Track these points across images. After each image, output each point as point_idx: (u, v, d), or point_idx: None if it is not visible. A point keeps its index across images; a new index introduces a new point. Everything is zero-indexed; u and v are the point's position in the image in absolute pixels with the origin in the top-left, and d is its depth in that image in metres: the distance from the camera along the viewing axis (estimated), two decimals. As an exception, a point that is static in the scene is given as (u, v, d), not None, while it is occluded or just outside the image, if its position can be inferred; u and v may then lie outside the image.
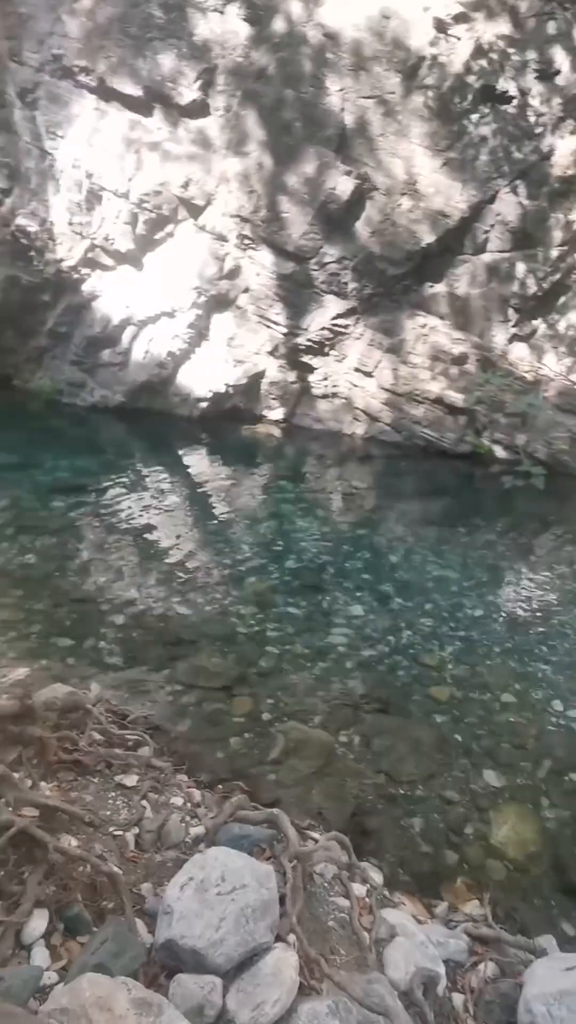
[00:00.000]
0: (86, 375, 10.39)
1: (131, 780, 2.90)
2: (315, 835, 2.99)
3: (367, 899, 2.62)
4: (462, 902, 3.16)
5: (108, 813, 2.64)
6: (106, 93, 9.06)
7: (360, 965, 2.40)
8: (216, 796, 3.17)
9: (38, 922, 1.92)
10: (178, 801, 2.95)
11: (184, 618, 5.28)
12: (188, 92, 8.82)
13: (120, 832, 2.54)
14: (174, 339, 9.85)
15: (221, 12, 8.54)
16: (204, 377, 10.11)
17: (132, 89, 8.91)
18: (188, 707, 4.23)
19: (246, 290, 9.76)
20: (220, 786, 3.32)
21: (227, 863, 2.13)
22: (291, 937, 2.14)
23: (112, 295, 9.96)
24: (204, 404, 10.20)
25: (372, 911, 2.55)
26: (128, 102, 9.08)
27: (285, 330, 9.72)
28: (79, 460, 8.49)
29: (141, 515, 7.16)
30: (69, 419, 10.13)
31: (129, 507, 7.31)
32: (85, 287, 10.02)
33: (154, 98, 8.99)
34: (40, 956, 1.87)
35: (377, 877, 3.00)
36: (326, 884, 2.71)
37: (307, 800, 3.48)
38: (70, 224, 9.64)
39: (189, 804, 2.97)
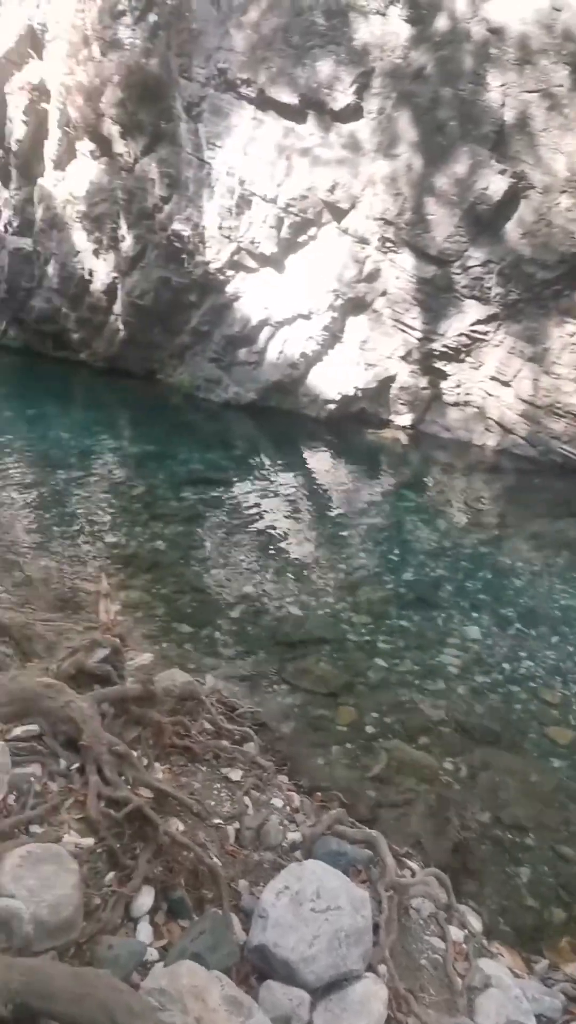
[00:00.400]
0: (223, 372, 10.87)
1: (236, 774, 3.01)
2: (413, 865, 2.91)
3: (464, 945, 2.50)
4: (565, 962, 2.93)
5: (212, 803, 2.76)
6: (264, 103, 9.37)
7: (449, 1009, 2.30)
8: (314, 804, 3.19)
9: (145, 898, 2.05)
10: (278, 802, 3.01)
11: (296, 619, 5.36)
12: (343, 97, 8.87)
13: (222, 824, 2.64)
14: (308, 340, 10.00)
15: (383, 14, 8.48)
16: (334, 379, 10.16)
17: (289, 97, 9.14)
18: (293, 708, 4.30)
19: (383, 293, 9.66)
20: (319, 793, 3.34)
21: (323, 880, 2.14)
22: (382, 968, 2.11)
23: (253, 296, 10.33)
24: (332, 406, 10.26)
25: (468, 958, 2.43)
26: (284, 110, 9.33)
27: (420, 335, 9.49)
28: (210, 454, 8.93)
29: (263, 512, 7.37)
30: (204, 414, 10.68)
31: (253, 503, 7.56)
32: (229, 288, 10.47)
33: (309, 105, 9.15)
34: (145, 932, 2.00)
35: (476, 923, 2.85)
36: (422, 921, 2.63)
37: (406, 825, 3.40)
38: (220, 228, 10.12)
39: (288, 808, 3.01)
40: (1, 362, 13.06)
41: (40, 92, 11.33)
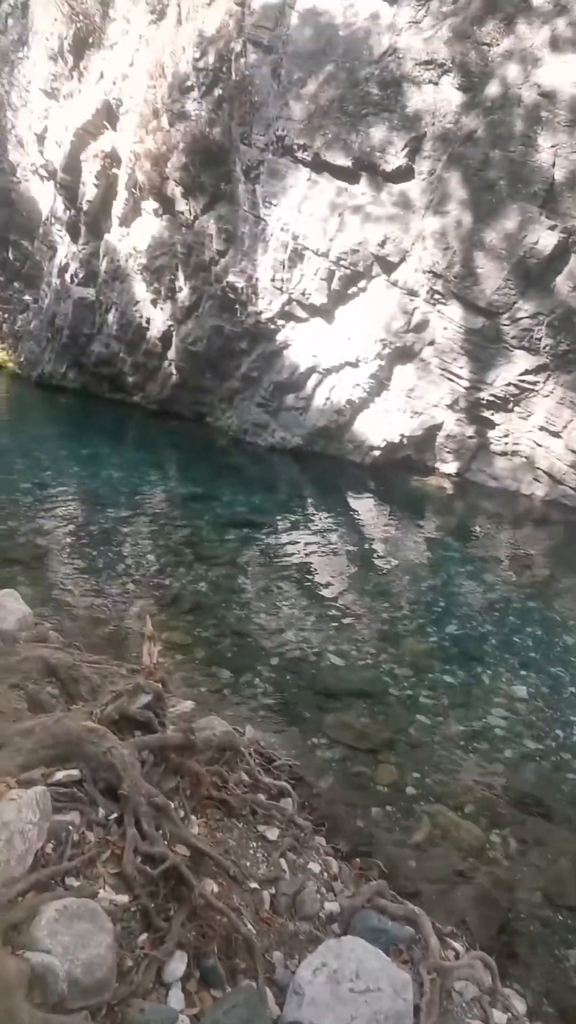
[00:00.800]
0: (270, 417, 11.10)
1: (272, 833, 2.92)
2: (457, 946, 2.73)
3: (510, 1037, 2.31)
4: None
5: (248, 864, 2.68)
6: (319, 165, 9.84)
7: None
8: (353, 871, 3.06)
9: (178, 964, 1.99)
10: (315, 868, 2.89)
11: (336, 669, 5.26)
12: (395, 159, 9.23)
13: (257, 888, 2.55)
14: (355, 388, 10.15)
15: (436, 83, 8.86)
16: (380, 426, 10.23)
17: (343, 160, 9.56)
18: (332, 763, 4.18)
19: (431, 343, 9.76)
20: (358, 860, 3.20)
21: (363, 960, 2.03)
22: (423, 1060, 1.96)
23: (302, 344, 10.60)
24: (377, 452, 10.30)
25: (515, 1054, 2.24)
26: (338, 172, 9.76)
27: (468, 384, 9.50)
28: (254, 497, 9.04)
29: (305, 557, 7.36)
30: (250, 457, 10.88)
31: (295, 548, 7.57)
32: (279, 337, 10.79)
33: (362, 167, 9.54)
34: (176, 998, 1.93)
35: (520, 1006, 2.65)
36: (464, 1004, 2.46)
37: (450, 901, 3.20)
38: (272, 280, 10.52)
39: (326, 874, 2.89)
40: (60, 403, 13.72)
41: (112, 158, 12.22)
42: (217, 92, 10.65)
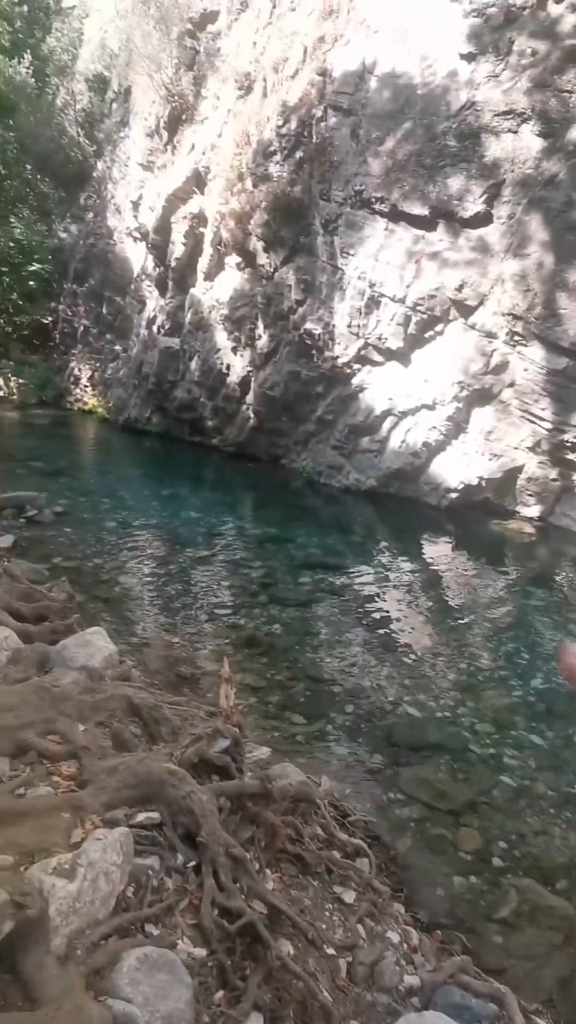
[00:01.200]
0: (344, 459, 11.18)
1: (349, 896, 2.81)
2: (544, 1027, 2.49)
3: None
4: None
5: (324, 927, 2.58)
6: (396, 216, 10.09)
7: None
8: (434, 944, 2.87)
9: (254, 1026, 1.93)
10: (394, 937, 2.74)
11: (413, 720, 5.07)
12: (472, 207, 9.32)
13: (334, 954, 2.45)
14: (431, 430, 10.07)
15: (515, 132, 8.94)
16: (457, 468, 10.05)
17: (420, 210, 9.76)
18: (409, 823, 3.98)
19: (511, 384, 9.57)
20: (439, 933, 3.00)
21: (449, 1046, 1.88)
22: None
23: (378, 388, 10.69)
24: (454, 495, 10.09)
25: None
26: (415, 221, 9.96)
27: (551, 425, 9.19)
28: (328, 538, 9.04)
29: (380, 601, 7.24)
30: (324, 499, 10.94)
31: (370, 591, 7.46)
32: (355, 380, 10.95)
33: (439, 215, 9.69)
34: (250, 1066, 1.87)
35: None
36: None
37: (538, 979, 2.94)
38: (349, 326, 10.75)
39: (405, 945, 2.74)
40: (144, 445, 14.45)
41: (199, 219, 13.10)
42: (298, 154, 11.25)
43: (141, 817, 2.36)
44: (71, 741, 2.68)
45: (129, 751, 2.75)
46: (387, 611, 7.02)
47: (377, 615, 6.88)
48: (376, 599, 7.27)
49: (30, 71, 20.35)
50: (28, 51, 20.82)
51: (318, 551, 8.54)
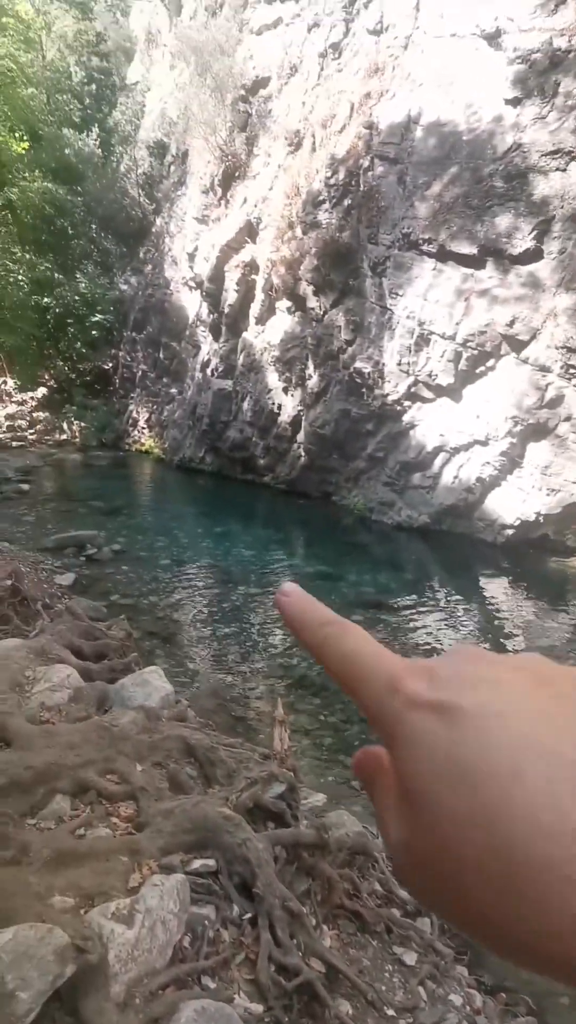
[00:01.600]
0: (396, 496, 11.11)
1: (410, 957, 2.68)
2: None
3: None
4: None
5: (383, 988, 2.47)
6: (444, 256, 10.21)
7: None
8: (498, 1006, 2.69)
9: None
10: (456, 999, 2.59)
11: (473, 769, 4.85)
12: (522, 243, 9.33)
13: (394, 1015, 2.33)
14: (485, 466, 9.91)
15: (564, 170, 8.98)
16: (513, 504, 9.81)
17: (468, 249, 9.86)
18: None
19: (568, 418, 9.35)
20: (503, 994, 2.82)
21: None
22: None
23: (429, 424, 10.66)
24: (510, 531, 9.82)
25: None
26: (463, 260, 10.05)
27: (612, 459, 8.89)
28: (381, 576, 8.94)
29: (435, 640, 7.05)
30: (376, 536, 10.86)
31: (424, 630, 7.30)
32: (405, 417, 10.96)
33: (488, 253, 9.75)
34: None
35: None
36: None
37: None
38: (399, 364, 10.83)
39: (468, 1007, 2.58)
40: (198, 484, 14.83)
41: (251, 267, 13.65)
42: (346, 202, 11.63)
43: (197, 864, 2.35)
44: (129, 781, 2.72)
45: (185, 793, 2.76)
46: (442, 651, 6.81)
47: (432, 655, 6.68)
48: (431, 638, 7.10)
49: (97, 142, 22.08)
50: (96, 125, 22.66)
51: (371, 588, 8.45)
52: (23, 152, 22.94)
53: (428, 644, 6.97)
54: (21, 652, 3.64)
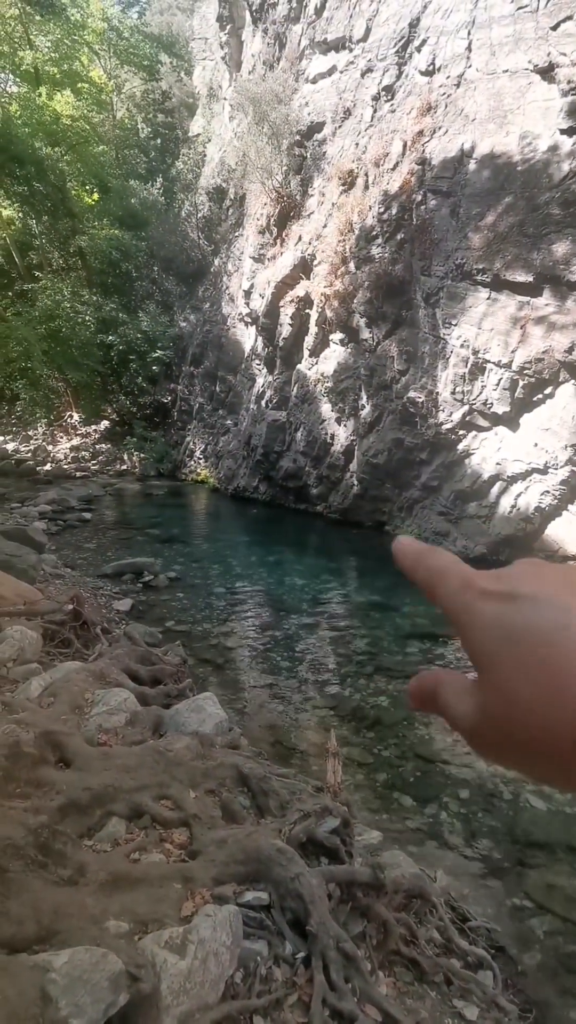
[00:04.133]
0: (451, 525, 10.89)
1: (471, 1012, 2.52)
2: None
3: None
4: None
5: (444, 1046, 2.32)
6: (499, 284, 10.15)
7: None
8: None
9: None
10: (524, 1068, 2.41)
11: (538, 815, 4.59)
12: (581, 269, 9.18)
13: (456, 1080, 2.19)
14: (544, 495, 9.60)
15: (623, 194, 8.83)
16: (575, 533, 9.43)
17: (524, 277, 9.77)
18: (539, 935, 3.53)
19: None
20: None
21: None
22: None
23: (484, 453, 10.46)
24: (572, 562, 9.41)
25: None
26: (518, 288, 9.96)
27: None
28: (435, 608, 8.70)
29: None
30: (430, 566, 10.63)
31: (482, 666, 7.02)
32: (460, 446, 10.80)
33: (544, 281, 9.63)
34: None
35: None
36: None
37: None
38: (453, 393, 10.74)
39: (538, 1080, 2.38)
40: (251, 513, 15.01)
41: (305, 302, 13.97)
42: (399, 236, 11.80)
43: (249, 896, 2.31)
44: (183, 808, 2.72)
45: (237, 823, 2.73)
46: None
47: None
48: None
49: (160, 191, 23.41)
50: (160, 175, 24.07)
51: (426, 621, 8.24)
52: (93, 204, 24.58)
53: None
54: (81, 675, 3.74)
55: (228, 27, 20.80)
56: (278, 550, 11.53)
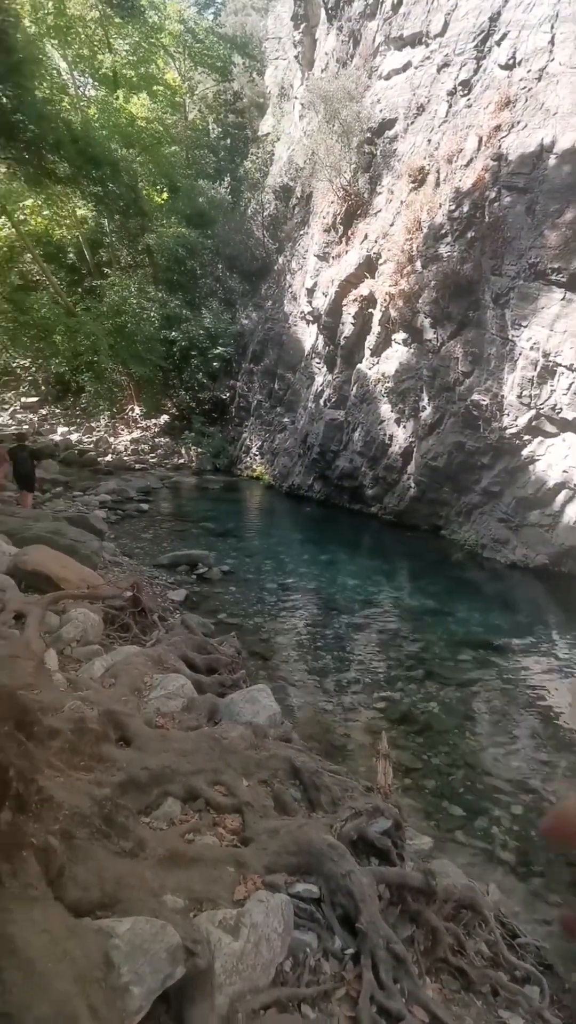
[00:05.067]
0: (511, 533, 10.58)
1: (516, 1023, 2.45)
2: None
3: None
4: None
5: (490, 1058, 2.27)
6: (574, 285, 9.76)
7: None
8: None
9: None
10: None
11: (594, 836, 4.40)
12: None
13: None
14: (613, 506, 9.19)
15: None
16: None
17: (602, 277, 9.37)
18: (591, 960, 3.40)
19: None
20: None
21: None
22: None
23: (550, 459, 10.10)
24: None
25: None
26: (595, 288, 9.56)
27: None
28: (492, 616, 8.50)
29: (551, 690, 6.55)
30: (487, 573, 10.37)
31: (540, 678, 6.80)
32: (524, 451, 10.47)
33: (624, 280, 9.21)
34: None
35: None
36: None
37: None
38: (519, 397, 10.42)
39: None
40: (304, 511, 15.04)
41: (368, 301, 13.87)
42: (470, 234, 11.53)
43: (300, 888, 2.33)
44: (236, 795, 2.77)
45: (289, 815, 2.76)
46: (559, 703, 6.31)
47: (547, 705, 6.22)
48: (547, 687, 6.60)
49: (228, 190, 23.75)
50: (228, 174, 24.41)
51: (480, 628, 8.05)
52: (163, 203, 25.19)
53: (544, 692, 6.49)
54: (140, 659, 3.85)
55: (302, 26, 20.87)
56: (331, 549, 11.52)
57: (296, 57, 21.76)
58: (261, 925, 1.99)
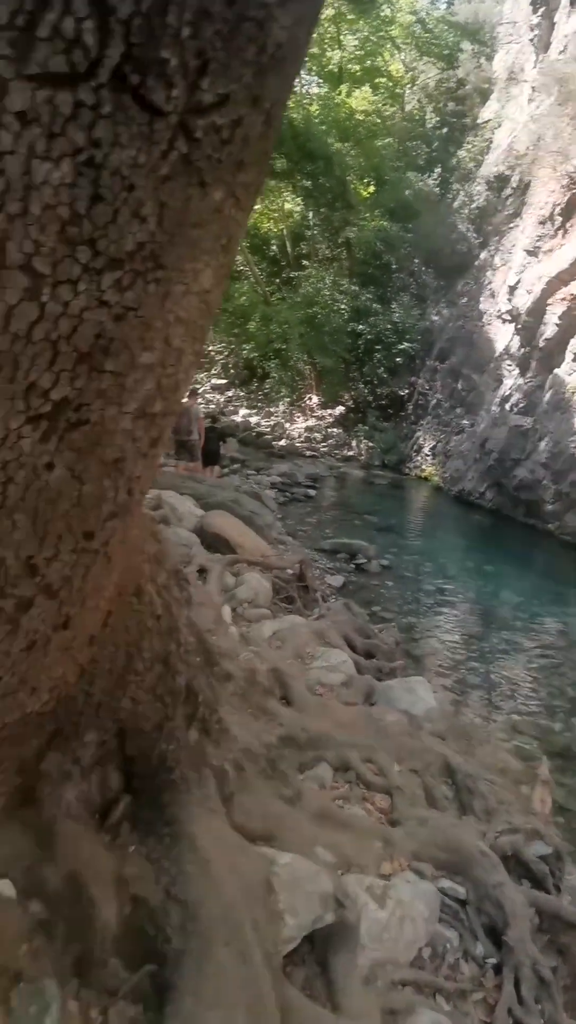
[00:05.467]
0: None
1: None
2: None
3: None
4: None
5: None
6: None
7: None
8: None
9: None
10: None
11: None
12: None
13: None
14: None
15: None
16: None
17: None
18: None
19: None
20: None
21: None
22: None
23: None
24: None
25: None
26: None
27: None
28: None
29: None
30: None
31: None
32: None
33: None
34: None
35: None
36: None
37: None
38: None
39: None
40: (472, 519, 14.39)
41: (579, 301, 12.71)
42: None
43: (446, 884, 2.30)
44: (387, 776, 2.79)
45: (438, 810, 2.72)
46: None
47: None
48: None
49: (437, 181, 23.17)
50: (439, 165, 23.79)
51: None
52: (367, 196, 25.37)
53: None
54: (305, 629, 4.03)
55: (541, 9, 19.50)
56: (497, 561, 10.89)
57: (531, 40, 20.43)
58: (407, 904, 2.01)
